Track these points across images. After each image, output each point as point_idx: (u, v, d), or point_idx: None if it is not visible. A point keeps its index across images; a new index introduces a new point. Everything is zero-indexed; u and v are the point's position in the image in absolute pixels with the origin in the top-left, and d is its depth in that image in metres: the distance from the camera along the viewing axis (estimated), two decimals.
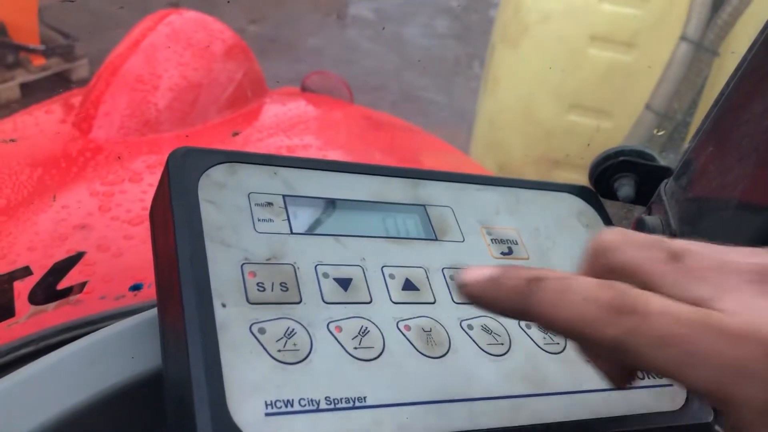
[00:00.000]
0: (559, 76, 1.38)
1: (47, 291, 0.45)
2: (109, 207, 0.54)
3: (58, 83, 3.02)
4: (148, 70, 0.68)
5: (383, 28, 3.66)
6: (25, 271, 0.46)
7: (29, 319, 0.42)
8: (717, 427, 0.37)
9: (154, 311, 0.34)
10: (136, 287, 0.45)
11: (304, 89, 0.94)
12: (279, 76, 2.97)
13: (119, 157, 0.59)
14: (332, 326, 0.29)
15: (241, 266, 0.29)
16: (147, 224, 0.36)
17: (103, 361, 0.33)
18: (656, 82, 1.25)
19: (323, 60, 3.33)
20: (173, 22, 0.73)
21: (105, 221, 0.52)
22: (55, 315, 0.42)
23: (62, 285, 0.45)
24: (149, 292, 0.46)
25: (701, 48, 1.23)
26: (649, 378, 0.35)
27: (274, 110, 0.76)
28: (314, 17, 3.85)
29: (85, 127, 0.66)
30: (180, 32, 0.72)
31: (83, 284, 0.46)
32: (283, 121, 0.75)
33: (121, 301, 0.44)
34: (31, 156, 0.61)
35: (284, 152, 0.68)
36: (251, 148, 0.67)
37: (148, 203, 0.35)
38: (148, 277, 0.46)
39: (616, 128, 1.31)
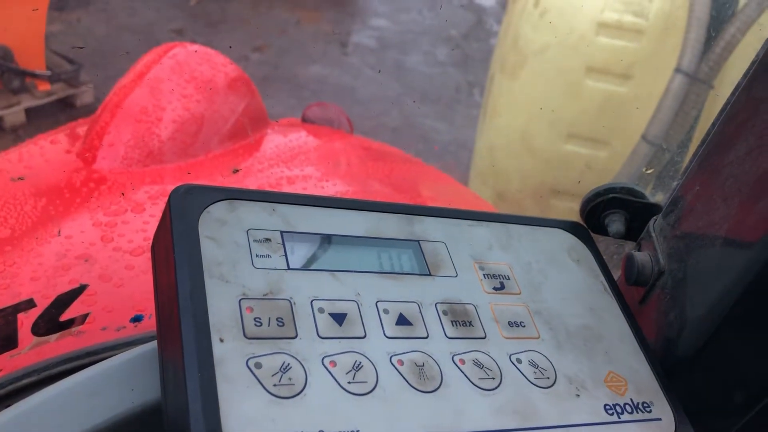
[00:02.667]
0: (557, 107, 1.40)
1: (50, 322, 0.46)
2: (112, 237, 0.55)
3: (63, 109, 3.05)
4: (152, 102, 0.70)
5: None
6: (29, 304, 0.47)
7: (31, 350, 0.43)
8: None
9: (154, 344, 0.35)
10: (136, 318, 0.46)
11: (305, 120, 0.95)
12: (282, 103, 3.00)
13: (122, 194, 0.60)
14: (327, 361, 0.30)
15: (239, 301, 0.30)
16: (148, 254, 0.37)
17: (103, 393, 0.34)
18: (652, 113, 1.26)
19: (325, 87, 3.36)
20: (177, 54, 0.74)
21: (107, 252, 0.53)
22: (58, 346, 0.43)
23: (65, 317, 0.46)
24: (149, 323, 0.47)
25: (696, 80, 1.25)
26: (638, 412, 0.35)
27: (275, 141, 0.77)
28: (317, 45, 3.90)
29: (89, 157, 0.67)
30: (184, 65, 0.74)
31: (85, 316, 0.46)
32: (284, 152, 0.76)
33: (122, 332, 0.44)
34: (36, 186, 0.62)
35: (284, 183, 0.69)
36: (252, 180, 0.69)
37: (150, 234, 0.36)
38: (149, 307, 0.47)
39: (613, 158, 1.32)
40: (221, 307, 0.30)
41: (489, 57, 1.89)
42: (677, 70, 1.26)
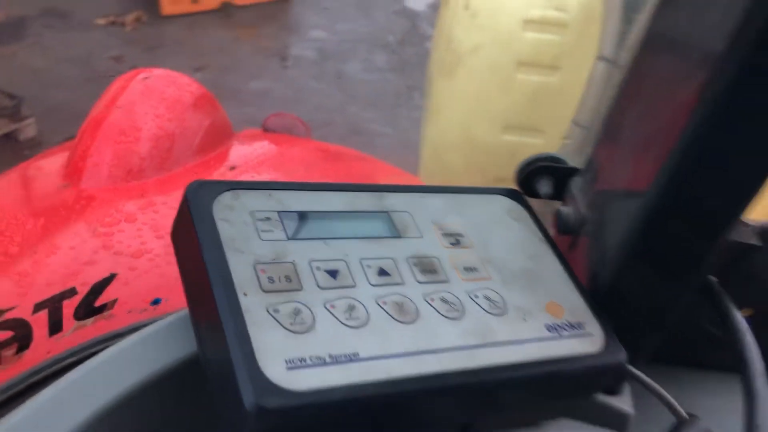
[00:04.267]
0: (493, 101, 1.51)
1: (87, 308, 0.53)
2: (112, 244, 0.62)
3: (6, 144, 3.03)
4: (128, 123, 0.77)
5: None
6: (72, 292, 0.54)
7: (73, 333, 0.50)
8: (629, 367, 0.47)
9: (174, 315, 0.43)
10: (155, 302, 0.53)
11: (266, 130, 1.03)
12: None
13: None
14: (328, 305, 0.39)
15: (254, 266, 0.38)
16: (147, 257, 0.45)
17: (140, 355, 0.41)
18: (580, 99, 1.38)
19: (269, 101, 3.43)
20: (145, 79, 0.81)
21: (109, 256, 0.60)
22: (94, 328, 0.50)
23: (99, 302, 0.53)
24: (165, 306, 0.54)
25: (616, 65, 1.37)
26: (573, 329, 0.45)
27: (241, 151, 0.85)
28: (257, 60, 3.95)
29: (75, 178, 0.74)
30: (153, 88, 0.81)
31: (114, 301, 0.54)
32: (251, 159, 0.84)
33: (144, 314, 0.52)
34: (31, 207, 0.68)
35: None
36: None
37: (146, 240, 0.44)
38: (162, 294, 0.54)
39: (549, 144, 1.44)
40: (241, 270, 0.38)
41: (425, 60, 2.00)
42: (599, 57, 1.38)
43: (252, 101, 3.45)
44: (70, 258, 0.58)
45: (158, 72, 0.83)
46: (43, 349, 0.51)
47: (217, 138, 0.85)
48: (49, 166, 0.82)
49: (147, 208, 0.69)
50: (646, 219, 0.44)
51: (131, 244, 0.62)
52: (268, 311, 0.37)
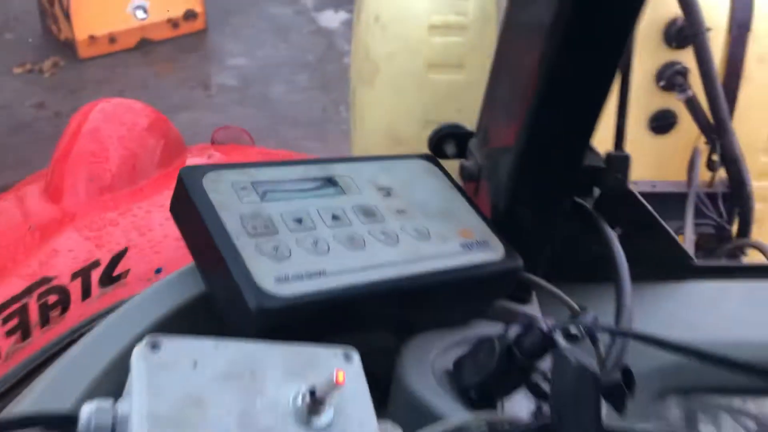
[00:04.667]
0: (411, 101, 1.67)
1: (108, 276, 0.65)
2: (103, 244, 0.74)
3: None
4: (96, 146, 0.88)
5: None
6: (96, 263, 0.66)
7: (98, 299, 0.62)
8: (527, 274, 0.62)
9: (180, 270, 0.56)
10: (158, 271, 0.66)
11: (214, 142, 1.16)
12: None
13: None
14: (299, 242, 0.53)
15: (240, 220, 0.52)
16: (137, 249, 0.57)
17: (155, 302, 0.54)
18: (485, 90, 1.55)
19: (199, 129, 3.52)
20: (104, 108, 0.93)
21: (103, 254, 0.72)
22: (114, 294, 0.62)
23: (116, 272, 0.66)
24: (166, 273, 0.66)
25: None
26: (481, 246, 0.60)
27: (196, 161, 0.97)
28: (181, 93, 4.03)
29: (56, 198, 0.85)
30: (112, 115, 0.93)
31: (127, 271, 0.66)
32: None
33: (152, 281, 0.64)
34: (25, 222, 0.79)
35: None
36: None
37: (133, 239, 0.58)
38: (160, 264, 0.67)
39: None
40: (231, 223, 0.52)
41: (346, 74, 2.14)
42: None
43: (181, 130, 3.53)
44: (71, 258, 0.70)
45: (114, 101, 0.95)
46: (77, 311, 0.63)
47: (174, 152, 0.98)
48: (24, 197, 0.94)
49: (126, 213, 0.81)
50: (520, 162, 0.60)
51: (120, 242, 0.74)
52: (256, 248, 0.51)
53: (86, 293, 0.66)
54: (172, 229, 0.54)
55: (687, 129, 1.65)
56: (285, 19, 4.80)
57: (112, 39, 4.50)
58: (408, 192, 0.63)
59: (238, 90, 4.02)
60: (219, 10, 4.74)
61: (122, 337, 0.48)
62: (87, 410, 0.40)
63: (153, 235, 0.71)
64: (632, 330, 0.58)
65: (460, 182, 0.68)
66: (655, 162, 1.79)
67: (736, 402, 0.77)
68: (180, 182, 0.54)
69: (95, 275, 0.68)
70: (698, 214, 1.67)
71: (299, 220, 0.55)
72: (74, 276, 0.67)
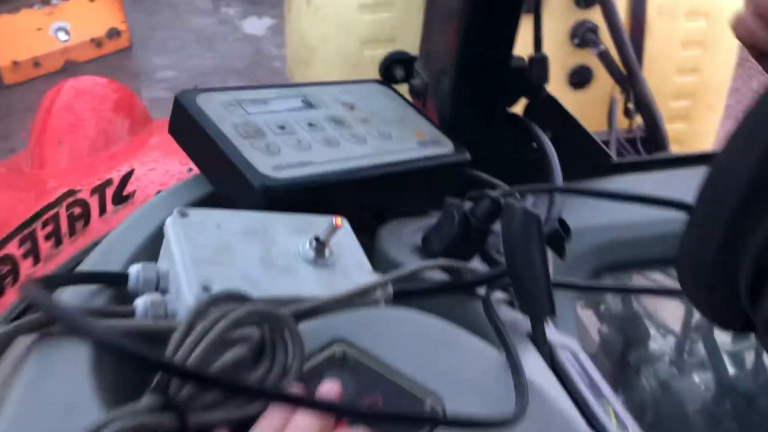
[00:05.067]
0: (348, 78, 1.78)
1: (119, 196, 0.73)
2: (96, 192, 0.82)
3: None
4: (71, 117, 0.96)
5: None
6: (109, 182, 0.74)
7: (113, 215, 0.70)
8: (474, 171, 0.74)
9: (187, 180, 0.65)
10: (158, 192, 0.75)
11: None
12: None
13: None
14: (285, 142, 0.63)
15: (234, 127, 0.62)
16: (140, 174, 0.67)
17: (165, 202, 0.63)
18: None
19: None
20: (74, 85, 1.01)
21: (113, 174, 0.81)
22: (125, 210, 0.70)
23: (126, 192, 0.74)
24: None
25: None
26: (434, 143, 0.71)
27: (162, 127, 1.06)
28: None
29: (41, 165, 0.92)
30: (82, 90, 1.00)
31: (134, 192, 0.74)
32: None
33: None
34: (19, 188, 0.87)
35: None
36: (163, 149, 0.98)
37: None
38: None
39: None
40: (227, 129, 0.61)
41: (278, 78, 2.20)
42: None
43: None
44: (89, 176, 0.79)
45: (82, 78, 1.03)
46: (96, 226, 0.71)
47: (141, 122, 1.06)
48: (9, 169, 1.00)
49: (110, 171, 0.89)
50: (457, 74, 0.72)
51: (123, 169, 0.83)
52: (251, 146, 0.60)
53: (102, 210, 0.74)
54: (157, 177, 0.64)
55: (603, 81, 1.82)
56: (210, 30, 4.84)
57: (36, 63, 4.44)
58: (368, 106, 0.74)
59: (171, 101, 4.03)
60: (142, 26, 4.74)
61: (153, 220, 0.57)
62: (135, 269, 0.49)
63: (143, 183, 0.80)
64: (569, 185, 0.70)
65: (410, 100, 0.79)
66: (577, 115, 1.95)
67: (658, 276, 0.91)
68: (177, 104, 0.64)
69: (109, 193, 0.76)
70: (620, 157, 1.83)
71: (282, 127, 0.65)
72: (92, 192, 0.75)
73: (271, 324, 0.43)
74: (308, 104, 0.70)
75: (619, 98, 1.82)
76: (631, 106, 1.76)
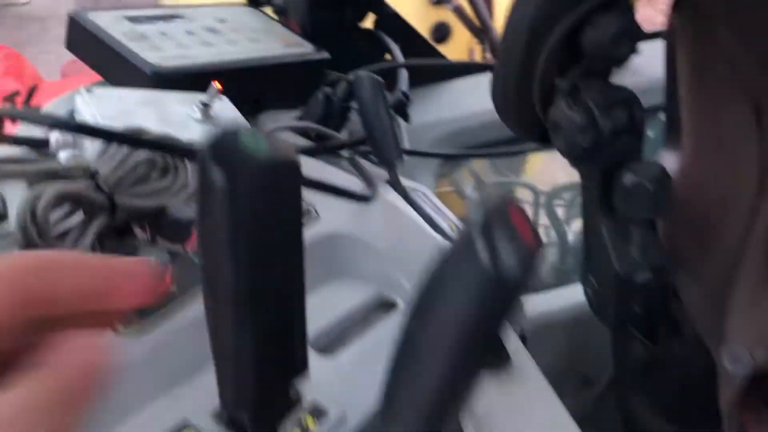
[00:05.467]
0: None
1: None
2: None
3: None
4: None
5: None
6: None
7: None
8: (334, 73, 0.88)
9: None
10: None
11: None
12: None
13: None
14: (167, 43, 0.75)
15: (123, 34, 0.73)
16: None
17: None
18: None
19: None
20: None
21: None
22: None
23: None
24: None
25: None
26: (298, 45, 0.85)
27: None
28: None
29: None
30: None
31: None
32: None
33: None
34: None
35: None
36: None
37: None
38: None
39: None
40: (118, 34, 0.73)
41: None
42: None
43: None
44: None
45: None
46: None
47: (30, 81, 1.14)
48: None
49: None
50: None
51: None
52: (138, 46, 0.72)
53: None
54: None
55: (461, 35, 2.01)
56: None
57: None
58: (239, 21, 0.86)
59: None
60: None
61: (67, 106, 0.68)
62: (54, 135, 0.60)
63: None
64: (409, 61, 0.85)
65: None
66: None
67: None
68: (72, 21, 0.74)
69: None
70: None
71: (164, 33, 0.77)
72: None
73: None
74: (185, 19, 0.82)
75: (477, 48, 2.01)
76: (488, 55, 1.96)
